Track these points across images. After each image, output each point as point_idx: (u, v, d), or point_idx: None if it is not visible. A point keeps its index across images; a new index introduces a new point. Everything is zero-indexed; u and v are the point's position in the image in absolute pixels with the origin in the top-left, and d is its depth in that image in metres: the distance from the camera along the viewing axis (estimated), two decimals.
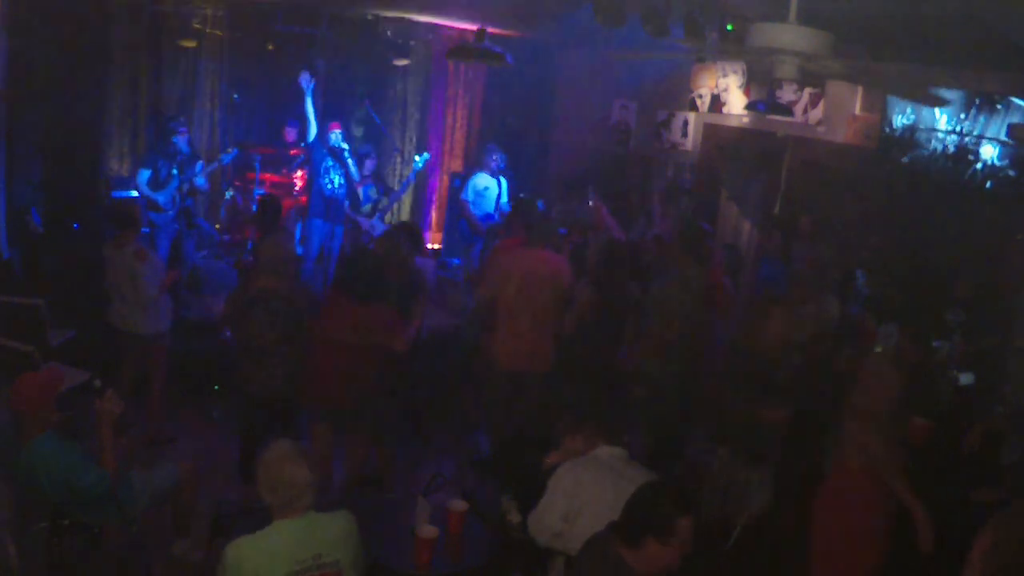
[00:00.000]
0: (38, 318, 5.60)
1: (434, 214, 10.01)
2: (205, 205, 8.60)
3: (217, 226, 8.70)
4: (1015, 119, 5.91)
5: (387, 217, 8.75)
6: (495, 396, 5.37)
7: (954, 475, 4.36)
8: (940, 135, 6.37)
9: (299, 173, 8.77)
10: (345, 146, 7.77)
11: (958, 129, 6.26)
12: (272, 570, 2.79)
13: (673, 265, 5.27)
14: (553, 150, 10.18)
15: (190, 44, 8.27)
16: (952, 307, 5.31)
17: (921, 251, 6.25)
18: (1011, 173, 6.00)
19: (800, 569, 4.04)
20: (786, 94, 7.34)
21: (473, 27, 7.68)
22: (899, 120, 6.60)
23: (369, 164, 8.30)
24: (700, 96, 8.35)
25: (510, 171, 8.52)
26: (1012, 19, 4.79)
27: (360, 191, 8.17)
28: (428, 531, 3.50)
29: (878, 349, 4.73)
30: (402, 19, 8.60)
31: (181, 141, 7.24)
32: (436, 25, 8.99)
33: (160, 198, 7.17)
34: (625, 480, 3.20)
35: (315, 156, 7.75)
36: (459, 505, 3.76)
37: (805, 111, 7.24)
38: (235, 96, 8.98)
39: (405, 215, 9.75)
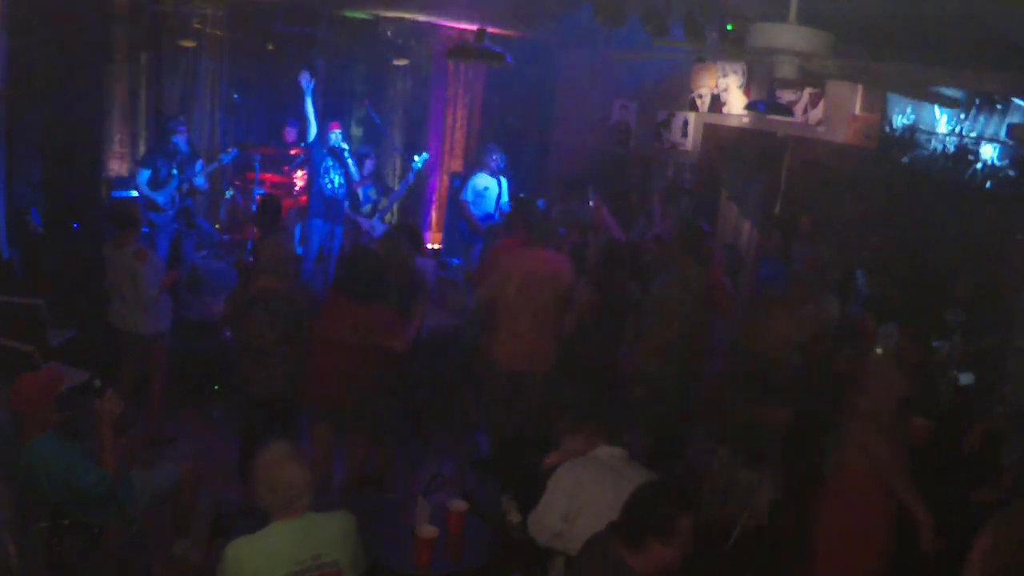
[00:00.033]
0: (38, 318, 5.60)
1: (434, 214, 10.00)
2: (205, 205, 8.59)
3: (217, 226, 8.70)
4: (1015, 119, 5.91)
5: (387, 218, 8.75)
6: (495, 396, 5.37)
7: (954, 475, 4.36)
8: (940, 135, 6.37)
9: (299, 173, 8.77)
10: (345, 146, 7.77)
11: (958, 129, 6.26)
12: (271, 570, 2.79)
13: (673, 265, 5.26)
14: (553, 150, 10.18)
15: (190, 44, 8.27)
16: (952, 307, 5.31)
17: (921, 251, 6.25)
18: (1011, 173, 6.00)
19: (800, 569, 4.05)
20: (786, 94, 7.34)
21: (473, 27, 7.68)
22: (899, 120, 6.60)
23: (369, 164, 8.31)
24: (700, 96, 8.35)
25: (510, 171, 8.52)
26: (1012, 19, 4.79)
27: (360, 192, 8.17)
28: (428, 531, 3.50)
29: (878, 349, 4.72)
30: (402, 19, 8.60)
31: (181, 141, 7.24)
32: (436, 25, 8.99)
33: (160, 198, 7.17)
34: (625, 480, 3.20)
35: (315, 156, 7.75)
36: (459, 505, 3.76)
37: (805, 111, 7.24)
38: (235, 96, 8.99)
39: (402, 216, 9.73)
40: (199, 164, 7.43)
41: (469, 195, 8.20)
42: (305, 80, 7.51)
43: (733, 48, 6.52)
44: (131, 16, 7.68)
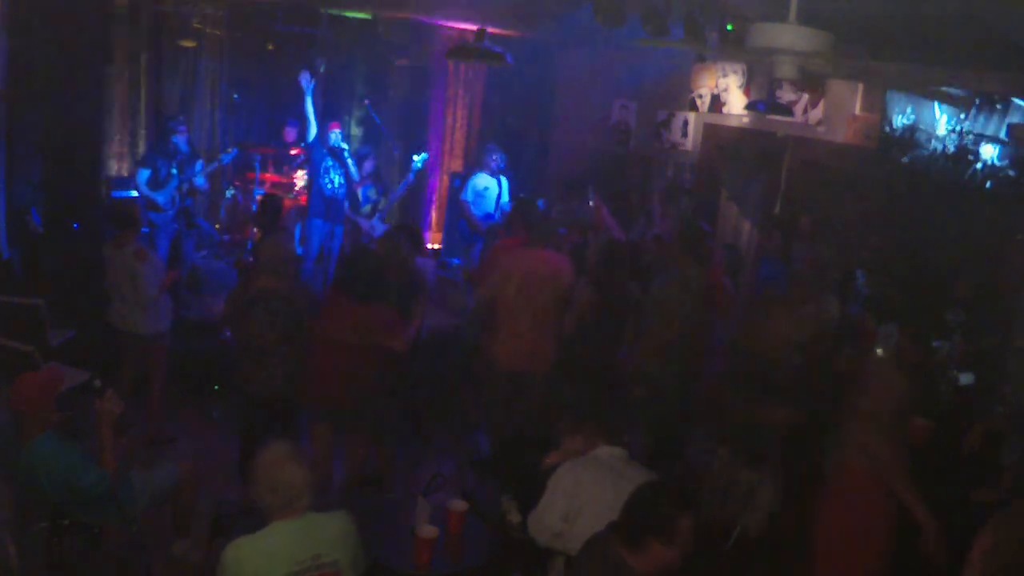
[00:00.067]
0: (38, 318, 5.60)
1: (434, 214, 10.00)
2: (205, 205, 8.60)
3: (217, 226, 8.70)
4: (1015, 119, 5.90)
5: (387, 218, 8.75)
6: (495, 396, 5.37)
7: (954, 475, 4.35)
8: (940, 135, 6.37)
9: (299, 173, 8.77)
10: (345, 146, 7.77)
11: (958, 129, 6.26)
12: (271, 570, 2.79)
13: (673, 265, 5.26)
14: (553, 150, 10.18)
15: (190, 44, 8.28)
16: (952, 307, 5.31)
17: (921, 251, 6.25)
18: (1011, 173, 5.99)
19: (800, 569, 4.04)
20: (786, 94, 7.34)
21: (473, 27, 7.68)
22: (899, 120, 6.60)
23: (368, 165, 8.31)
24: (700, 96, 8.35)
25: (510, 171, 8.51)
26: (1012, 19, 4.79)
27: (359, 192, 8.16)
28: (428, 531, 3.50)
29: (878, 349, 4.72)
30: (402, 19, 8.59)
31: (181, 141, 7.25)
32: (436, 25, 8.99)
33: (160, 198, 7.17)
34: (625, 480, 3.20)
35: (315, 156, 7.75)
36: (459, 505, 3.76)
37: (805, 111, 7.24)
38: (235, 96, 8.99)
39: (400, 215, 9.73)
40: (199, 164, 7.43)
41: (469, 195, 8.20)
42: (305, 80, 7.50)
43: (733, 48, 6.52)
44: (131, 16, 7.69)
